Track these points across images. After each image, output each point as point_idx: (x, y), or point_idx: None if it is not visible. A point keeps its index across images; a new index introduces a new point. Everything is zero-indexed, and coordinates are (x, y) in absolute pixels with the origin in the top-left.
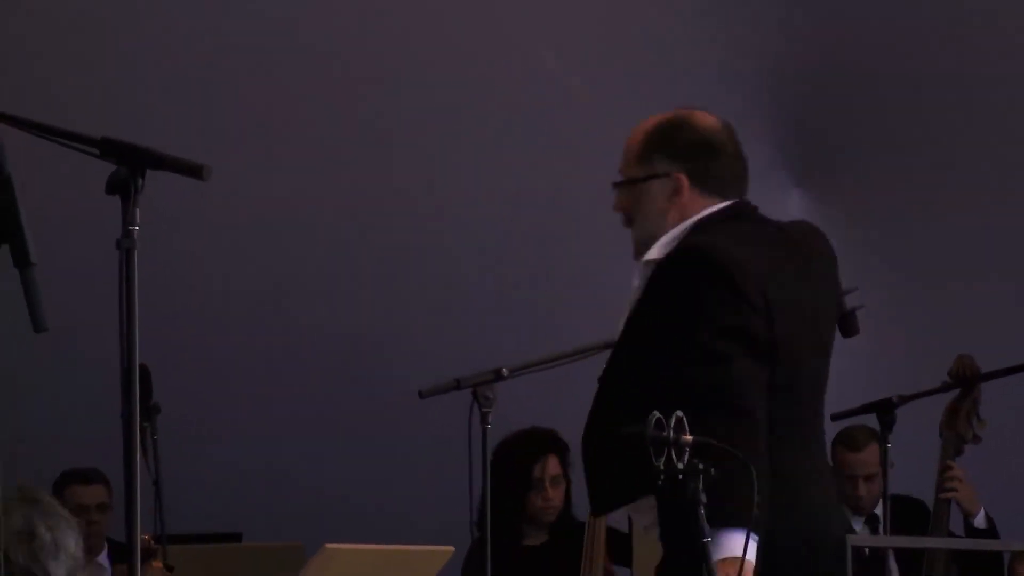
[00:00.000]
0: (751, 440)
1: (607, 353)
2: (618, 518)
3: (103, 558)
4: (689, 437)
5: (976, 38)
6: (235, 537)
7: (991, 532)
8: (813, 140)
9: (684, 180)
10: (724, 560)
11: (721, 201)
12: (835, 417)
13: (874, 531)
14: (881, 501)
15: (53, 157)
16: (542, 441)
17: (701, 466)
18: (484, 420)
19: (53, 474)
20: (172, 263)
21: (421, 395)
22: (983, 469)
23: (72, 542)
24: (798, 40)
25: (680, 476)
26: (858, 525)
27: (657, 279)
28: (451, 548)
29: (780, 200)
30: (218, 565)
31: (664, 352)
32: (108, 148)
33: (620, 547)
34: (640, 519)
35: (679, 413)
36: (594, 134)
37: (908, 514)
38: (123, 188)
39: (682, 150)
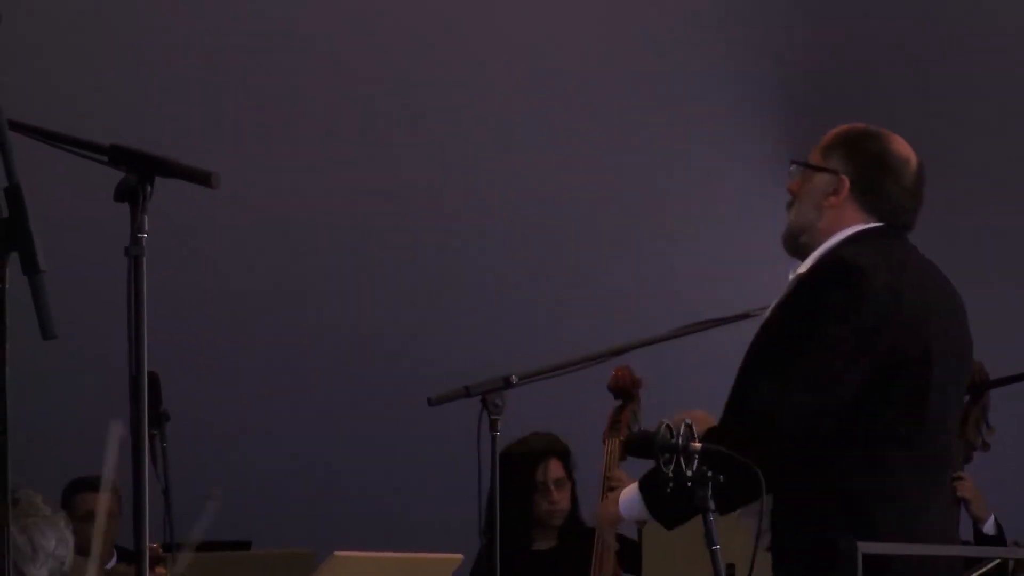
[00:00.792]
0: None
1: (615, 360)
2: (627, 525)
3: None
4: (698, 444)
5: (978, 39)
6: (244, 545)
7: (1000, 539)
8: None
9: (846, 184)
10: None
11: (878, 222)
12: None
13: None
14: None
15: (61, 163)
16: (542, 445)
17: (710, 473)
18: (493, 427)
19: (63, 481)
20: (180, 267)
21: (430, 403)
22: (992, 476)
23: (52, 540)
24: (800, 40)
25: (689, 483)
26: None
27: (799, 289)
28: (459, 556)
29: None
30: (228, 573)
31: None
32: (117, 156)
33: (630, 555)
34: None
35: (688, 421)
36: (594, 134)
37: None
38: (132, 196)
39: (858, 157)
